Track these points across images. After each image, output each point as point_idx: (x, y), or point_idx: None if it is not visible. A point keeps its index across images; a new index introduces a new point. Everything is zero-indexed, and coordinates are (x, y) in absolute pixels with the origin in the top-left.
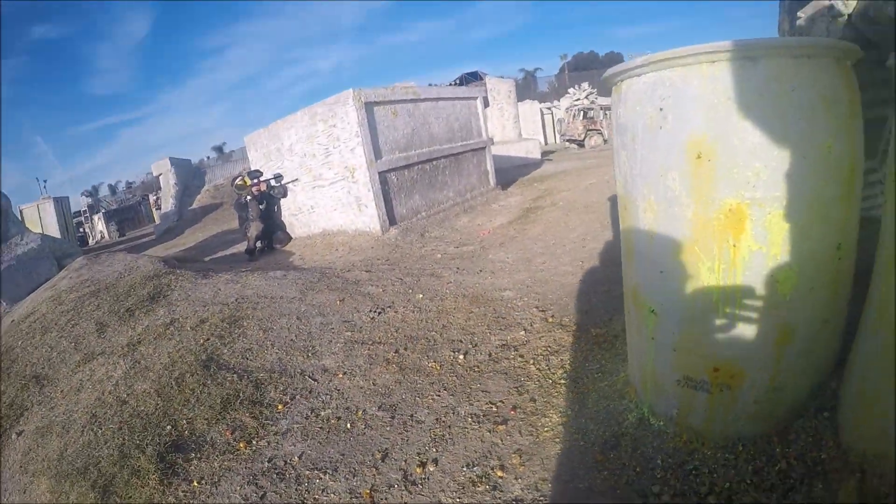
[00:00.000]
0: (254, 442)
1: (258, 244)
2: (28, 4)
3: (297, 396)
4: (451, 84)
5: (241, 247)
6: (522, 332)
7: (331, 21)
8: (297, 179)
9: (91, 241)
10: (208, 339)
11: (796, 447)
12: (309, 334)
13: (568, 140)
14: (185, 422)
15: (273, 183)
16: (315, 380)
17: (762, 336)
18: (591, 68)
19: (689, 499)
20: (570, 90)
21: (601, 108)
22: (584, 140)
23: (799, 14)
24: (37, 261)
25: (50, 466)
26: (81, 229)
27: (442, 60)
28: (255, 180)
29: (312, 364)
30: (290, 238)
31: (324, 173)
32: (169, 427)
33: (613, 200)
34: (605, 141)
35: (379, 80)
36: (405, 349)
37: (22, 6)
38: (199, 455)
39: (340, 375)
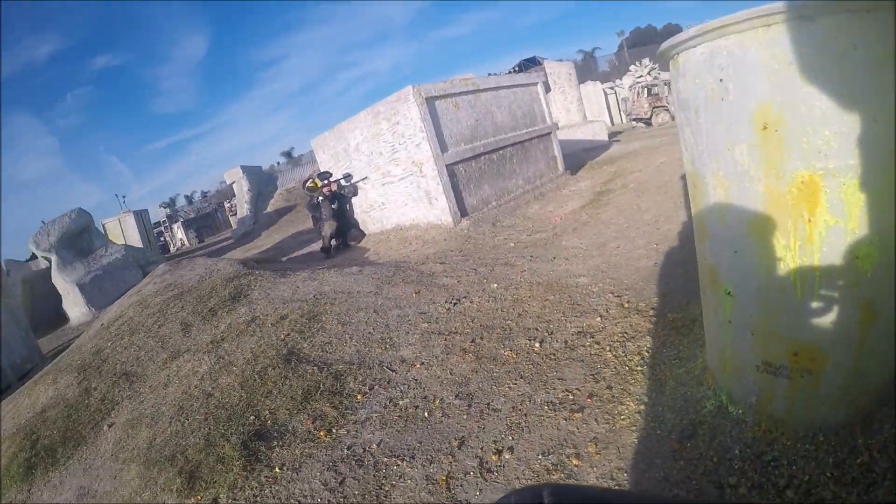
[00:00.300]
0: (334, 430)
1: (333, 242)
2: (86, 37)
3: (376, 387)
4: (509, 72)
5: (317, 246)
6: (598, 319)
7: (382, 22)
8: (366, 178)
9: (172, 249)
10: (288, 335)
11: (880, 438)
12: (386, 326)
13: (634, 119)
14: (267, 412)
15: (343, 183)
16: (393, 370)
17: (844, 317)
18: (651, 43)
19: (766, 492)
20: (632, 67)
21: (665, 84)
22: (650, 118)
23: None
24: (122, 270)
25: (139, 454)
26: (162, 238)
27: (497, 49)
28: (326, 181)
29: (390, 355)
30: (364, 235)
31: (392, 170)
32: (252, 417)
33: (685, 179)
34: (673, 117)
35: (437, 74)
36: (481, 339)
37: (81, 38)
38: (280, 443)
39: (418, 366)
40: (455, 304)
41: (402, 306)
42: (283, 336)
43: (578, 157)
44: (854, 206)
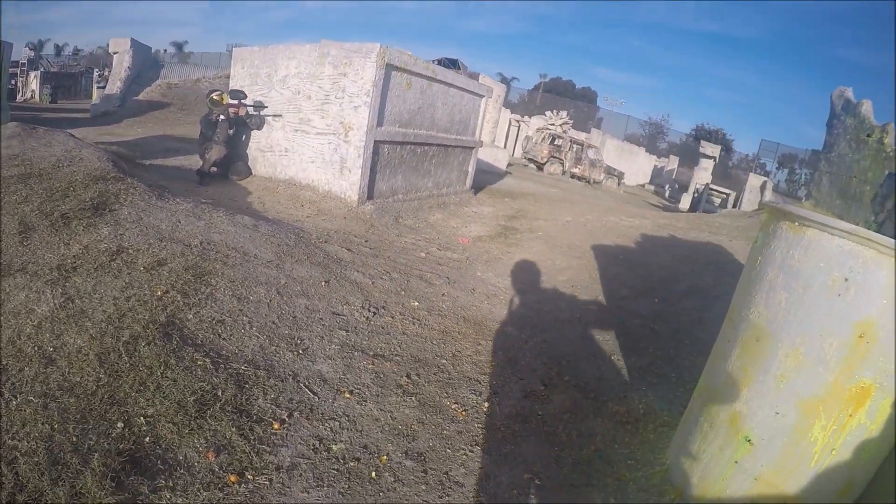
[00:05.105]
0: (248, 476)
1: (214, 170)
2: None
3: (296, 413)
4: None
5: (185, 160)
6: (542, 387)
7: None
8: (280, 115)
9: (19, 97)
10: (167, 293)
11: None
12: (294, 319)
13: (529, 159)
14: (143, 420)
15: (252, 112)
16: (314, 393)
17: (834, 486)
18: (566, 96)
19: None
20: (548, 112)
21: (570, 140)
22: (545, 164)
23: None
24: None
25: None
26: (13, 82)
27: (426, 37)
28: (236, 101)
29: (306, 367)
30: (250, 173)
31: (313, 119)
32: (121, 425)
33: (596, 249)
34: (564, 172)
35: (360, 35)
36: (417, 375)
37: None
38: (170, 483)
39: (347, 394)
40: (374, 313)
41: (311, 296)
42: (160, 293)
43: (479, 178)
44: (882, 415)
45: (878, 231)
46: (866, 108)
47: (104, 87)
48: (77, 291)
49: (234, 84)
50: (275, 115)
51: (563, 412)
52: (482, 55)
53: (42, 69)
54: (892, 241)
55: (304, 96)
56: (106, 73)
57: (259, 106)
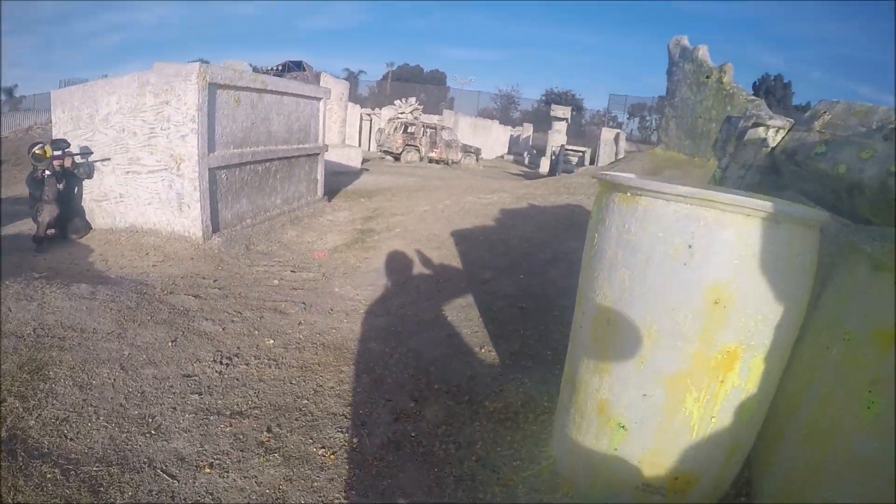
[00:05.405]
0: None
1: (51, 232)
2: None
3: None
4: (272, 68)
5: (24, 224)
6: (412, 403)
7: None
8: (108, 159)
9: None
10: (5, 401)
11: None
12: (142, 395)
13: (385, 151)
14: None
15: (79, 160)
16: (173, 477)
17: (721, 450)
18: (415, 81)
19: None
20: (397, 102)
21: (423, 126)
22: (401, 154)
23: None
24: None
25: None
26: None
27: (267, 41)
28: (59, 152)
29: (161, 448)
30: (90, 228)
31: (143, 157)
32: None
33: (455, 235)
34: (421, 158)
35: (200, 49)
36: (279, 426)
37: None
38: None
39: (207, 469)
40: (227, 365)
41: (158, 362)
42: None
43: (332, 180)
44: (755, 374)
45: (722, 177)
46: (703, 52)
47: None
48: None
49: (56, 130)
50: (103, 160)
51: (438, 426)
52: (328, 52)
53: None
54: (734, 196)
55: (129, 133)
56: None
57: (86, 152)
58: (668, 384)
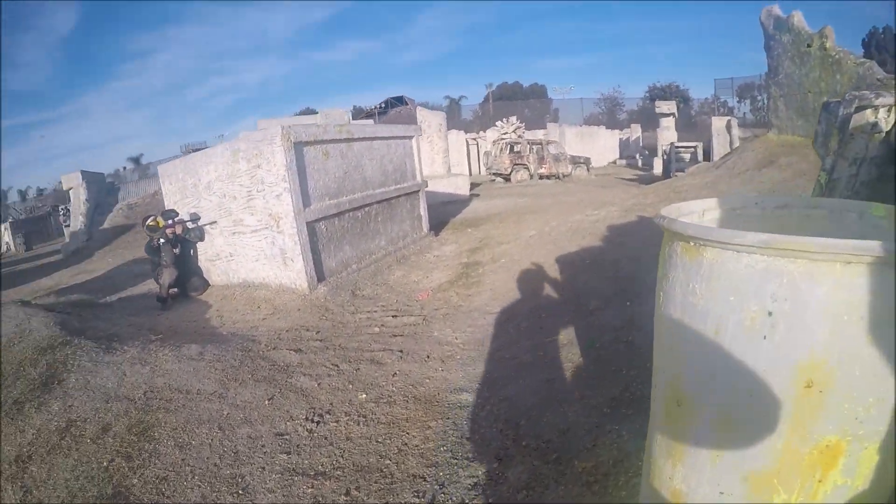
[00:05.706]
0: None
1: (172, 291)
2: None
3: None
4: (376, 107)
5: (153, 284)
6: (496, 464)
7: (261, 33)
8: (214, 222)
9: None
10: (113, 461)
11: None
12: (235, 455)
13: (494, 173)
14: None
15: (189, 225)
16: None
17: None
18: (516, 98)
19: None
20: (498, 123)
21: (528, 143)
22: (510, 174)
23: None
24: None
25: None
26: None
27: (368, 82)
28: (170, 221)
29: None
30: (208, 285)
31: (245, 219)
32: None
33: (561, 260)
34: (531, 176)
35: (305, 98)
36: (357, 489)
37: None
38: None
39: None
40: (318, 422)
41: (253, 421)
42: (105, 463)
43: (440, 211)
44: (865, 468)
45: (829, 180)
46: (798, 19)
47: (70, 226)
48: (34, 481)
49: (167, 200)
50: (210, 223)
51: (519, 490)
52: (426, 83)
53: (11, 219)
54: (824, 241)
55: (229, 198)
56: (70, 207)
57: (195, 218)
58: (751, 483)
